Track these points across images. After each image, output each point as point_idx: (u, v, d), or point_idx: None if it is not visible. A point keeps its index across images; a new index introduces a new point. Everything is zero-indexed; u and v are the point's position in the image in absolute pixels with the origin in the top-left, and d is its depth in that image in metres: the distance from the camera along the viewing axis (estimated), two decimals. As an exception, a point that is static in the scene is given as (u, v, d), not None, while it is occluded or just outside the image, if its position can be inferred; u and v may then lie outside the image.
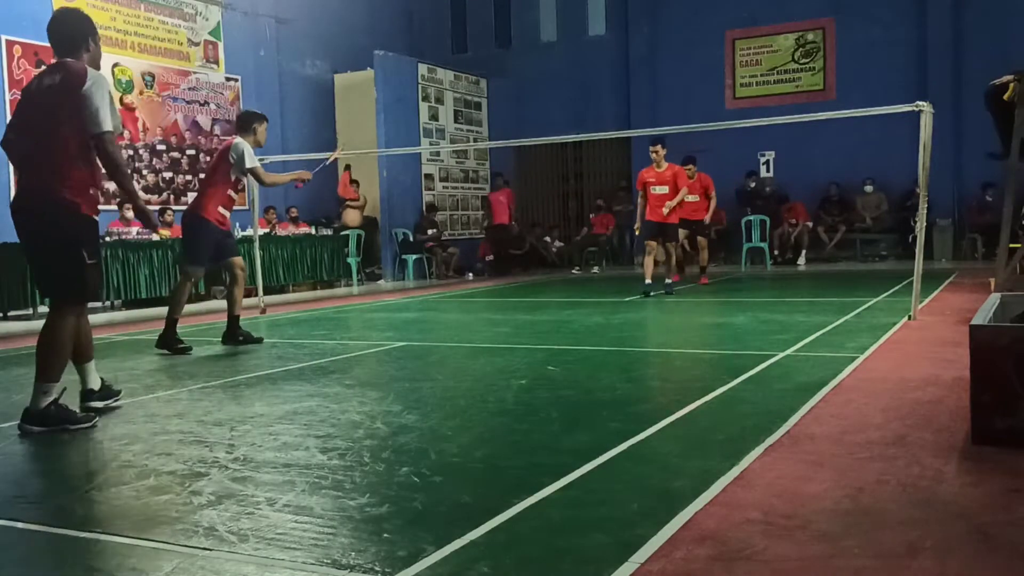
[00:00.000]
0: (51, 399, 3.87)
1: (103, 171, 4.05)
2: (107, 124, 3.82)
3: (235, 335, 6.86)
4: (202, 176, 6.85)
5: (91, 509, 2.80)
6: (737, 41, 16.75)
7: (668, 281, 10.33)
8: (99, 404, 4.37)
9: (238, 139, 6.84)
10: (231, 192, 6.86)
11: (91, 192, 3.94)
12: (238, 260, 6.98)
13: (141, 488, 3.01)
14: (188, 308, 10.51)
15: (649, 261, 10.38)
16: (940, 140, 9.30)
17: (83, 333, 4.17)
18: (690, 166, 11.32)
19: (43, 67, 4.11)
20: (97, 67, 4.03)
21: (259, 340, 6.92)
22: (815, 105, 13.50)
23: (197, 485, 3.02)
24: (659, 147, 10.37)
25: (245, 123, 7.06)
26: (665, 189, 10.25)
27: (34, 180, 3.90)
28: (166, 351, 6.48)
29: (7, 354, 7.09)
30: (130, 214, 11.20)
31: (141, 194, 12.36)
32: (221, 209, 6.76)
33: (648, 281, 10.20)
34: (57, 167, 3.82)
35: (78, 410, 4.13)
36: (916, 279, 7.13)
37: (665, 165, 10.31)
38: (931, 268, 10.91)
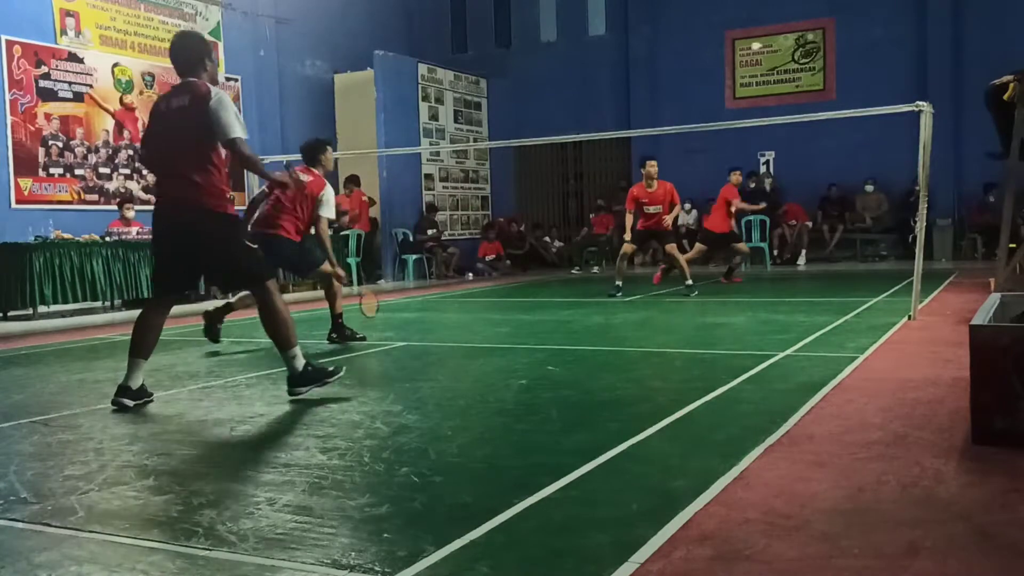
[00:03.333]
0: (303, 361, 4.38)
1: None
2: (236, 131, 4.25)
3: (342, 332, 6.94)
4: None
5: (91, 509, 2.80)
6: (737, 41, 16.75)
7: (688, 283, 10.09)
8: (130, 403, 4.43)
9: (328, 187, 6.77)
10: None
11: (227, 194, 4.44)
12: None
13: (141, 488, 3.01)
14: (188, 308, 10.53)
15: (622, 264, 10.29)
16: (940, 140, 9.29)
17: (156, 333, 4.53)
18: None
19: (169, 89, 4.55)
20: (215, 83, 4.45)
21: (363, 337, 6.96)
22: (815, 105, 13.48)
23: (197, 485, 3.01)
24: (655, 163, 10.07)
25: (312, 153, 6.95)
26: (659, 208, 10.07)
27: (181, 192, 4.29)
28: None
29: (7, 354, 7.09)
30: (130, 214, 11.21)
31: (141, 194, 12.42)
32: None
33: (618, 282, 10.11)
34: (197, 178, 4.25)
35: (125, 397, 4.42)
36: (916, 279, 7.13)
37: (656, 184, 10.05)
38: (931, 268, 10.90)
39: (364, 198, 14.51)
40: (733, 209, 11.55)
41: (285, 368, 4.58)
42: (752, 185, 15.97)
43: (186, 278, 4.70)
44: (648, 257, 15.78)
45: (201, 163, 4.27)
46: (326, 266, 6.86)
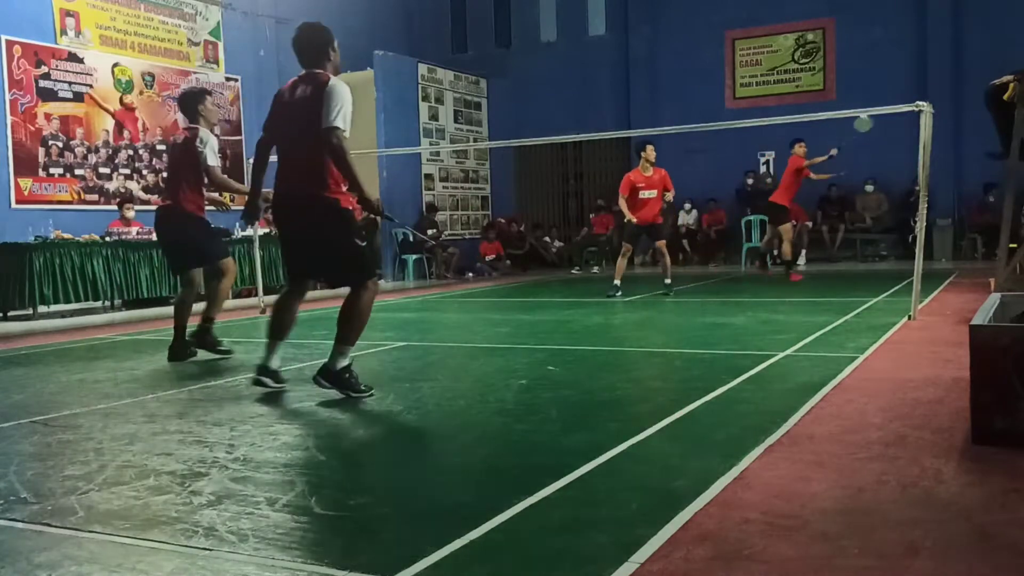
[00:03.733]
0: (347, 362, 4.32)
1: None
2: (337, 120, 4.17)
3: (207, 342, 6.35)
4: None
5: (91, 509, 2.80)
6: (737, 41, 16.75)
7: (667, 281, 10.15)
8: (272, 383, 4.53)
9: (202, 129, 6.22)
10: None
11: (344, 188, 4.36)
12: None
13: (141, 488, 3.01)
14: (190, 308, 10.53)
15: (622, 263, 10.24)
16: (940, 140, 9.29)
17: (293, 315, 4.67)
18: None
19: (294, 78, 4.53)
20: (337, 72, 4.50)
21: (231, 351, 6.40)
22: (815, 105, 13.48)
23: (197, 485, 3.01)
24: (653, 148, 10.10)
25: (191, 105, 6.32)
26: (653, 193, 10.03)
27: (299, 182, 4.31)
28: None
29: (7, 354, 7.09)
30: (131, 214, 11.21)
31: (141, 194, 12.41)
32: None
33: (616, 282, 10.08)
34: (317, 170, 4.24)
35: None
36: (916, 279, 7.13)
37: (652, 169, 10.06)
38: (931, 268, 10.90)
39: None
40: (810, 174, 11.42)
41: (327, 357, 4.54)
42: (751, 184, 16.00)
43: (313, 263, 4.62)
44: (648, 257, 15.77)
45: (322, 154, 4.24)
46: (228, 261, 6.42)
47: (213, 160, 6.09)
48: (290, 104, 4.38)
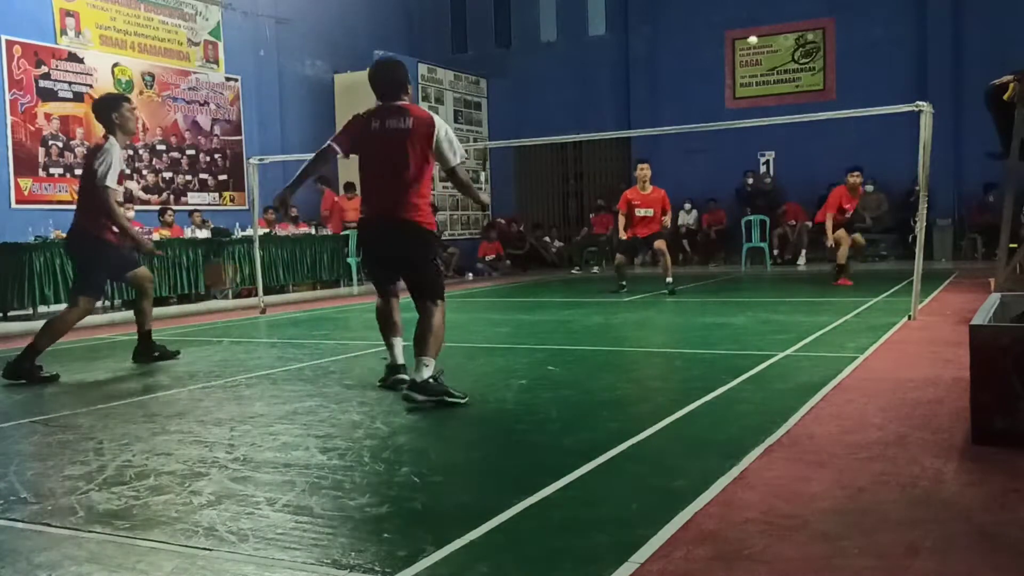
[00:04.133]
0: (432, 373, 4.30)
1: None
2: (458, 158, 4.64)
3: (150, 351, 6.15)
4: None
5: (91, 509, 2.80)
6: (737, 41, 16.75)
7: (668, 280, 10.20)
8: (420, 397, 4.32)
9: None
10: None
11: (433, 212, 4.79)
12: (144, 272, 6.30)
13: (141, 488, 3.01)
14: (188, 308, 10.54)
15: (666, 260, 10.35)
16: (940, 140, 9.29)
17: (396, 314, 4.81)
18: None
19: (378, 107, 4.65)
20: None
21: (176, 354, 6.21)
22: (815, 105, 13.48)
23: (197, 485, 3.01)
24: (647, 166, 10.28)
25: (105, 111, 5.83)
26: (650, 212, 10.16)
27: (393, 207, 4.51)
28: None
29: (7, 354, 7.08)
30: (130, 214, 11.19)
31: (141, 194, 12.41)
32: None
33: (622, 282, 10.44)
34: (411, 197, 4.52)
35: None
36: (916, 279, 7.13)
37: (651, 188, 10.19)
38: (931, 268, 10.90)
39: None
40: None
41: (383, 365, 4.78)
42: (751, 184, 16.01)
43: (396, 276, 4.81)
44: (647, 257, 15.79)
45: (417, 183, 4.54)
46: (142, 270, 6.19)
47: (111, 180, 5.54)
48: (383, 134, 4.54)
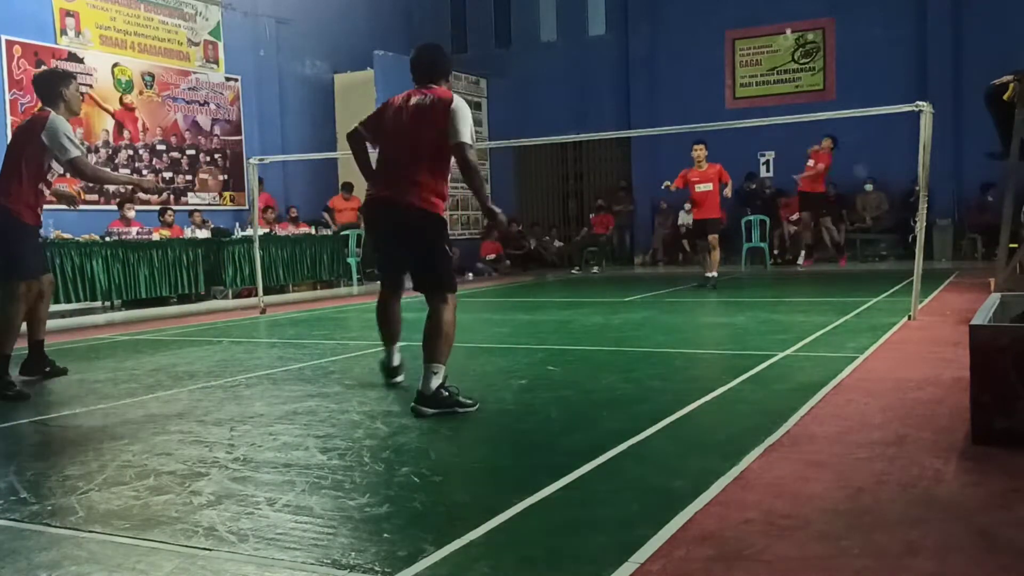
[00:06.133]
0: (441, 381, 4.10)
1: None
2: (466, 136, 4.24)
3: (41, 363, 5.62)
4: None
5: (91, 509, 2.80)
6: (737, 41, 16.75)
7: (708, 275, 10.62)
8: (428, 411, 4.13)
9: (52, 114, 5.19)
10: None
11: (444, 197, 4.42)
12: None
13: (141, 488, 3.01)
14: (188, 308, 10.54)
15: (713, 256, 10.68)
16: (940, 140, 9.30)
17: (398, 316, 4.73)
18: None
19: (408, 91, 4.51)
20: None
21: (64, 371, 5.70)
22: (815, 105, 13.48)
23: (197, 485, 3.02)
24: (702, 147, 10.61)
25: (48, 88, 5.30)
26: (709, 187, 10.55)
27: (404, 189, 4.28)
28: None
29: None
30: (131, 214, 11.21)
31: (141, 194, 12.39)
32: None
33: (713, 273, 10.72)
34: (421, 177, 4.27)
35: None
36: (916, 279, 7.12)
37: (707, 164, 10.60)
38: (931, 268, 10.89)
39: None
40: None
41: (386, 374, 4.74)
42: (752, 185, 15.99)
43: (404, 265, 4.61)
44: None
45: (430, 162, 4.30)
46: (48, 275, 5.66)
47: (76, 150, 5.06)
48: (404, 111, 4.38)
